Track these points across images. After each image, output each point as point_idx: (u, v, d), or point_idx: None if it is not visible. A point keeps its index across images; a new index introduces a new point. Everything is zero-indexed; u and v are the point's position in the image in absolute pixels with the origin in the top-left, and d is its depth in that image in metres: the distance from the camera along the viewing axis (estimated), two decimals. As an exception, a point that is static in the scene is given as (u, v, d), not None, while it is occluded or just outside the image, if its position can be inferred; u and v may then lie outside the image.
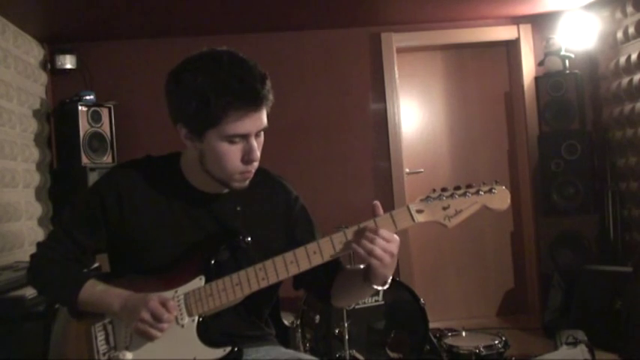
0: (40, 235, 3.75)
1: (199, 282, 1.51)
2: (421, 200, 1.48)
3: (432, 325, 3.42)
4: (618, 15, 3.96)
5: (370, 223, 1.46)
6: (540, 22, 4.43)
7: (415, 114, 4.74)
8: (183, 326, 1.50)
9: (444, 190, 1.48)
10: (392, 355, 3.35)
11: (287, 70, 4.35)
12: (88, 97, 4.01)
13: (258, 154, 1.52)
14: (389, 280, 1.52)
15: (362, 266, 1.53)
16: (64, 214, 1.64)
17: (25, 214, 3.61)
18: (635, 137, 3.86)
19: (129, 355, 1.51)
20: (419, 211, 1.47)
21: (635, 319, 3.20)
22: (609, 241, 4.07)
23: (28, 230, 3.64)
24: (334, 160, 4.43)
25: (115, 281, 1.57)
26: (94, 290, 1.55)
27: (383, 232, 1.44)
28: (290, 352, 1.72)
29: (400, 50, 4.53)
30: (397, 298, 3.39)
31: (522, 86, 4.49)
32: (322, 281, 1.68)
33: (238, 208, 1.62)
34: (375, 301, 3.36)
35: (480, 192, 1.48)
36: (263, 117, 1.50)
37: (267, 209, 1.67)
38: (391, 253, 1.44)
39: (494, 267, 4.71)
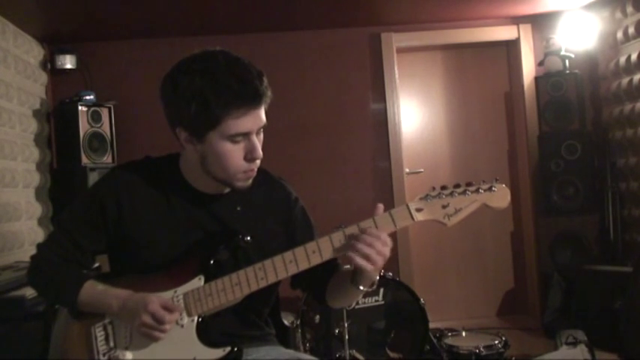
0: (40, 235, 3.75)
1: (199, 282, 1.51)
2: (420, 199, 1.48)
3: (432, 325, 3.42)
4: (618, 15, 3.96)
5: (369, 223, 1.46)
6: (540, 22, 4.43)
7: (415, 114, 4.74)
8: (182, 326, 1.50)
9: (443, 188, 1.48)
10: (392, 355, 3.35)
11: (287, 70, 4.34)
12: (88, 97, 4.01)
13: (260, 151, 1.52)
14: (376, 281, 1.53)
15: (347, 266, 1.54)
16: (64, 215, 1.64)
17: (25, 214, 3.61)
18: (635, 137, 3.86)
19: (129, 355, 1.51)
20: (418, 210, 1.47)
21: (635, 319, 3.20)
22: (609, 241, 4.06)
23: (28, 230, 3.64)
24: (334, 160, 4.43)
25: (115, 281, 1.57)
26: (93, 290, 1.55)
27: (381, 234, 1.44)
28: (290, 352, 1.72)
29: (400, 50, 4.53)
30: (397, 298, 3.39)
31: (522, 86, 4.48)
32: (319, 281, 1.68)
33: (238, 208, 1.63)
34: (375, 301, 3.36)
35: (480, 190, 1.48)
36: (263, 114, 1.51)
37: (267, 210, 1.67)
38: (385, 256, 1.44)
39: (494, 267, 4.71)
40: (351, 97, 4.45)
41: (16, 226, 3.50)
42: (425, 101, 4.75)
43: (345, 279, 1.60)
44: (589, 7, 4.15)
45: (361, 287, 1.52)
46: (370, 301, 3.36)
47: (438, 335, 3.54)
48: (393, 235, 1.49)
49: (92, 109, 3.98)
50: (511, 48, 4.64)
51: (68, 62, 4.15)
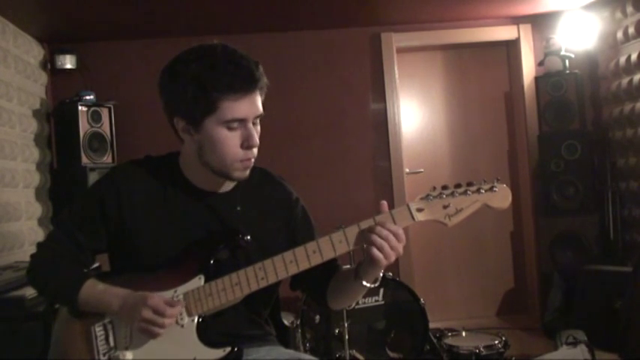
0: (40, 235, 3.75)
1: (199, 281, 1.51)
2: (421, 198, 1.48)
3: (432, 325, 3.42)
4: (618, 15, 3.96)
5: (370, 223, 1.46)
6: (540, 22, 4.43)
7: (415, 114, 4.74)
8: (182, 326, 1.50)
9: (444, 188, 1.48)
10: (392, 355, 3.36)
11: (287, 70, 4.34)
12: (88, 97, 4.00)
13: (257, 139, 1.52)
14: (379, 278, 1.54)
15: (347, 266, 1.54)
16: (64, 214, 1.64)
17: (25, 214, 3.61)
18: (635, 137, 3.85)
19: (129, 355, 1.51)
20: (419, 210, 1.47)
21: (635, 319, 3.20)
22: (609, 241, 4.06)
23: (28, 230, 3.64)
24: (334, 160, 4.43)
25: (115, 280, 1.57)
26: (93, 290, 1.55)
27: (398, 230, 1.44)
28: (290, 352, 1.72)
29: (400, 50, 4.53)
30: (397, 298, 3.39)
31: (522, 86, 4.48)
32: (319, 282, 1.68)
33: (238, 208, 1.62)
34: (375, 301, 3.37)
35: (481, 190, 1.47)
36: (259, 102, 1.52)
37: (267, 209, 1.67)
38: (398, 252, 1.45)
39: (494, 267, 4.71)
40: (351, 97, 4.46)
41: (16, 226, 3.50)
42: (425, 101, 4.75)
43: (346, 278, 1.60)
44: (589, 7, 4.15)
45: (364, 282, 1.53)
46: (370, 301, 3.36)
47: (438, 335, 3.54)
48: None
49: (92, 109, 3.98)
50: (511, 48, 4.64)
51: (68, 62, 4.15)
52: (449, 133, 4.73)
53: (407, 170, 4.54)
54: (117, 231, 1.60)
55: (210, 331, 1.53)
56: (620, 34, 3.93)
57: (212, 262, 1.53)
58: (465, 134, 4.72)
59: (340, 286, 1.65)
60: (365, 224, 1.46)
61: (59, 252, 1.60)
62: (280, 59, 4.34)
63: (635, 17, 3.78)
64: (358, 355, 3.24)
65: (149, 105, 3.92)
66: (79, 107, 3.90)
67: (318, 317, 3.30)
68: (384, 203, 1.48)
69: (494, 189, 1.48)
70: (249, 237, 1.55)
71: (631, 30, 3.80)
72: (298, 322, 3.30)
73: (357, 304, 3.28)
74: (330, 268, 1.63)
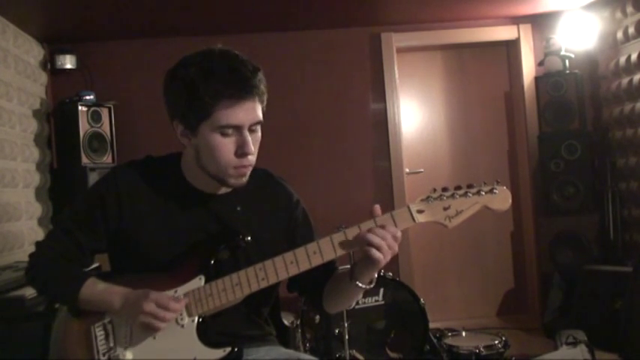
0: (40, 235, 3.75)
1: (199, 282, 1.51)
2: (422, 200, 1.48)
3: (432, 325, 3.42)
4: (618, 15, 3.96)
5: (370, 224, 1.46)
6: (540, 22, 4.43)
7: (415, 114, 4.74)
8: (183, 326, 1.50)
9: (444, 190, 1.48)
10: (392, 355, 3.35)
11: (287, 70, 4.34)
12: (88, 97, 4.00)
13: (252, 147, 1.51)
14: (374, 279, 1.54)
15: (348, 266, 1.55)
16: (64, 213, 1.65)
17: (25, 214, 3.61)
18: (635, 137, 3.86)
19: (129, 354, 1.51)
20: (419, 211, 1.47)
21: (635, 319, 3.20)
22: (609, 241, 4.07)
23: (28, 230, 3.64)
24: (334, 160, 4.43)
25: (115, 280, 1.57)
26: (94, 289, 1.55)
27: (393, 229, 1.45)
28: (290, 352, 1.72)
29: (400, 50, 4.53)
30: (397, 298, 3.39)
31: (522, 86, 4.48)
32: (315, 284, 1.68)
33: (238, 208, 1.63)
34: (375, 301, 3.36)
35: (481, 192, 1.47)
36: (256, 109, 1.50)
37: (267, 210, 1.67)
38: (394, 251, 1.45)
39: (494, 267, 4.71)
40: (351, 97, 4.45)
41: (16, 226, 3.50)
42: (425, 101, 4.75)
43: (342, 280, 1.60)
44: (589, 7, 4.15)
45: (359, 284, 1.52)
46: (370, 301, 3.36)
47: (438, 335, 3.54)
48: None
49: (92, 109, 3.98)
50: (511, 48, 4.64)
51: (68, 62, 4.15)
52: (449, 133, 4.73)
53: (407, 170, 4.54)
54: (117, 231, 1.60)
55: (210, 331, 1.53)
56: (620, 34, 3.94)
57: (212, 262, 1.53)
58: (465, 134, 4.72)
59: (336, 289, 1.65)
60: (366, 226, 1.46)
61: (59, 251, 1.60)
62: (280, 59, 4.34)
63: (635, 17, 3.78)
64: (358, 355, 3.24)
65: (149, 105, 3.96)
66: (79, 107, 3.90)
67: (318, 317, 3.30)
68: (378, 207, 1.48)
69: (495, 191, 1.48)
70: (249, 237, 1.55)
71: (631, 30, 3.80)
72: (298, 322, 3.30)
73: (357, 304, 3.28)
74: (326, 270, 1.62)
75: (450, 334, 3.57)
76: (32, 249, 1.66)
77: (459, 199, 1.47)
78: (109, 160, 4.03)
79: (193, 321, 1.51)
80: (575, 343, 3.23)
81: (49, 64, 4.17)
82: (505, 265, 4.73)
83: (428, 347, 3.37)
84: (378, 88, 4.47)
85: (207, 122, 1.47)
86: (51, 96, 4.21)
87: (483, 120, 4.72)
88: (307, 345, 3.35)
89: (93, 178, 3.81)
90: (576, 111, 4.17)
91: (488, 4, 4.12)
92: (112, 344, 1.53)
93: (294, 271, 1.48)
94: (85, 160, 3.88)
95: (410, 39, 4.50)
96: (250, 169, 1.56)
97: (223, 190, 1.63)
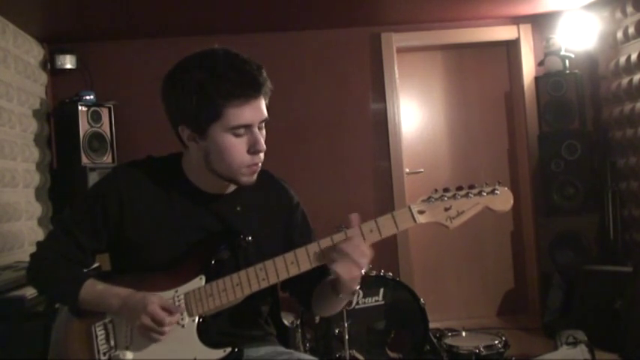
0: (40, 235, 3.74)
1: (200, 282, 1.51)
2: (423, 201, 1.48)
3: (432, 325, 3.42)
4: (618, 15, 3.96)
5: (371, 225, 1.46)
6: (540, 22, 4.43)
7: (415, 114, 4.74)
8: (183, 326, 1.50)
9: (445, 190, 1.48)
10: (392, 355, 3.35)
11: (287, 70, 4.34)
12: (88, 97, 4.00)
13: (263, 144, 1.52)
14: (356, 289, 1.53)
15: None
16: (65, 213, 1.64)
17: (25, 214, 3.61)
18: (635, 137, 3.86)
19: (129, 354, 1.51)
20: (420, 212, 1.47)
21: (635, 319, 3.20)
22: (609, 241, 4.07)
23: (28, 230, 3.63)
24: (334, 160, 4.43)
25: (116, 280, 1.57)
26: (94, 289, 1.55)
27: (360, 245, 1.44)
28: (290, 352, 1.72)
29: (400, 50, 4.53)
30: (397, 298, 3.39)
31: (522, 86, 4.48)
32: (307, 286, 1.67)
33: (238, 208, 1.62)
34: (375, 301, 3.36)
35: (483, 193, 1.47)
36: (263, 107, 1.51)
37: (267, 211, 1.67)
38: (360, 267, 1.45)
39: (494, 267, 4.71)
40: (351, 97, 4.45)
41: (16, 226, 3.50)
42: (425, 101, 4.75)
43: (327, 289, 1.59)
44: (589, 7, 4.15)
45: (340, 296, 1.52)
46: (370, 301, 3.36)
47: (438, 335, 3.54)
48: (393, 235, 1.49)
49: (92, 109, 3.98)
50: (511, 48, 4.64)
51: (68, 62, 4.15)
52: (449, 133, 4.73)
53: (407, 170, 4.54)
54: (118, 231, 1.60)
55: (210, 331, 1.53)
56: (620, 34, 3.94)
57: (213, 262, 1.53)
58: (465, 134, 4.72)
59: (321, 296, 1.65)
60: (366, 227, 1.46)
61: (59, 251, 1.60)
62: (280, 59, 4.33)
63: (635, 17, 3.78)
64: (358, 355, 3.24)
65: (149, 105, 3.92)
66: (79, 107, 3.90)
67: (318, 317, 3.30)
68: (355, 216, 1.48)
69: (496, 192, 1.48)
70: (250, 238, 1.55)
71: (631, 30, 3.80)
72: (298, 322, 3.30)
73: (357, 304, 3.28)
74: (318, 274, 1.61)
75: (450, 334, 3.58)
76: (32, 249, 1.66)
77: (461, 199, 1.47)
78: (109, 160, 4.03)
79: (194, 321, 1.51)
80: (575, 343, 3.23)
81: (49, 64, 4.16)
82: (505, 265, 4.73)
83: (428, 347, 3.37)
84: (378, 88, 4.47)
85: (217, 124, 1.47)
86: (51, 96, 4.20)
87: (483, 120, 4.72)
88: (307, 345, 3.35)
89: (93, 178, 3.81)
90: (576, 111, 4.17)
91: (488, 4, 4.12)
92: (112, 344, 1.53)
93: (294, 271, 1.48)
94: (85, 160, 3.88)
95: (410, 39, 4.50)
96: (260, 165, 1.56)
97: (225, 190, 1.63)
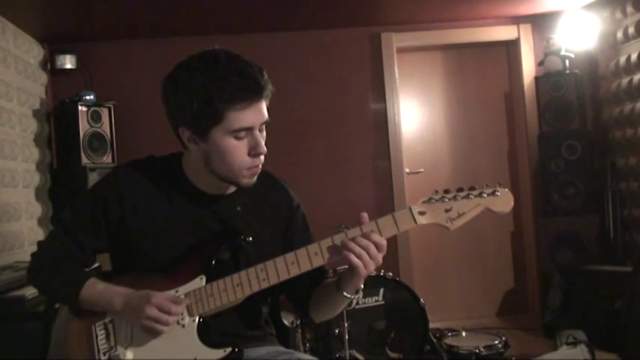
0: (40, 235, 3.74)
1: (200, 282, 1.52)
2: (423, 202, 1.48)
3: (432, 325, 3.42)
4: (618, 15, 3.96)
5: (372, 226, 1.46)
6: (540, 22, 4.43)
7: (415, 114, 4.74)
8: (183, 326, 1.50)
9: (446, 191, 1.48)
10: (392, 355, 3.35)
11: (287, 70, 4.34)
12: (88, 97, 4.00)
13: (264, 146, 1.52)
14: (360, 289, 1.53)
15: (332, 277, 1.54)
16: (66, 213, 1.64)
17: (25, 214, 3.61)
18: (635, 137, 3.86)
19: (129, 354, 1.51)
20: (421, 213, 1.47)
21: (635, 319, 3.20)
22: (609, 241, 4.07)
23: (28, 230, 3.63)
24: (334, 160, 4.43)
25: (116, 280, 1.57)
26: (95, 289, 1.55)
27: (376, 238, 1.44)
28: (290, 352, 1.72)
29: (400, 50, 4.53)
30: (397, 298, 3.39)
31: (522, 86, 4.48)
32: (303, 290, 1.67)
33: (238, 208, 1.62)
34: (375, 301, 3.36)
35: (483, 194, 1.47)
36: (264, 109, 1.51)
37: (267, 212, 1.67)
38: (378, 262, 1.45)
39: (494, 267, 4.71)
40: (351, 97, 4.45)
41: (16, 226, 3.50)
42: (425, 101, 4.75)
43: (329, 288, 1.59)
44: (589, 7, 4.15)
45: (345, 294, 1.52)
46: (370, 301, 3.36)
47: (438, 335, 3.54)
48: (393, 236, 1.49)
49: (92, 109, 3.98)
50: (511, 48, 4.64)
51: (68, 62, 4.15)
52: (449, 133, 4.73)
53: (407, 170, 4.54)
54: (118, 231, 1.60)
55: (210, 332, 1.53)
56: (620, 34, 3.94)
57: (214, 262, 1.53)
58: (465, 134, 4.72)
59: (322, 297, 1.64)
60: (367, 227, 1.46)
61: (60, 251, 1.60)
62: (280, 59, 4.33)
63: (635, 17, 3.78)
64: (358, 355, 3.24)
65: (149, 105, 3.95)
66: (79, 107, 3.90)
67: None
68: (365, 215, 1.48)
69: (497, 193, 1.48)
70: (250, 238, 1.55)
71: (631, 30, 3.80)
72: (298, 322, 3.30)
73: (357, 303, 3.28)
74: (316, 276, 1.62)
75: (450, 334, 3.58)
76: (32, 249, 1.66)
77: (461, 201, 1.47)
78: (109, 160, 4.03)
79: (194, 321, 1.51)
80: (575, 343, 3.24)
81: (49, 64, 4.16)
82: (505, 265, 4.73)
83: (428, 347, 3.37)
84: (378, 88, 4.47)
85: (218, 127, 1.47)
86: (51, 96, 4.20)
87: (483, 120, 4.72)
88: (307, 345, 3.35)
89: (93, 178, 3.81)
90: (576, 111, 4.17)
91: (488, 4, 4.12)
92: (112, 344, 1.53)
93: (295, 271, 1.48)
94: (85, 160, 3.88)
95: (410, 39, 4.50)
96: (260, 167, 1.56)
97: (225, 191, 1.63)
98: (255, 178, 1.57)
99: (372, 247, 1.43)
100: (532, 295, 4.56)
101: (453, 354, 3.32)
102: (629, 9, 3.82)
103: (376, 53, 4.46)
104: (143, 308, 1.45)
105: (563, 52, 4.21)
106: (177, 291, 1.51)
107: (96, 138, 3.98)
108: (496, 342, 3.32)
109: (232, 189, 1.63)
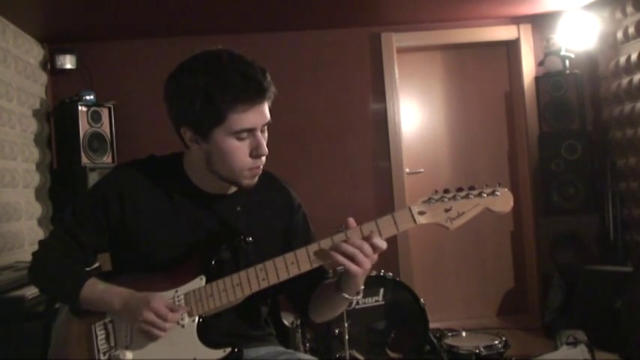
0: (40, 235, 3.75)
1: (200, 282, 1.52)
2: (423, 202, 1.48)
3: (432, 325, 3.42)
4: (618, 15, 3.96)
5: (372, 226, 1.46)
6: (540, 22, 4.43)
7: (415, 114, 4.74)
8: (183, 326, 1.50)
9: (446, 191, 1.48)
10: (392, 355, 3.35)
11: (287, 70, 4.34)
12: (88, 97, 4.00)
13: (265, 148, 1.52)
14: (361, 289, 1.52)
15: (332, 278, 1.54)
16: (67, 212, 1.64)
17: (25, 214, 3.61)
18: (635, 137, 3.86)
19: (129, 354, 1.51)
20: (421, 213, 1.47)
21: (635, 319, 3.20)
22: (609, 241, 4.06)
23: (28, 230, 3.63)
24: (334, 160, 4.43)
25: (117, 280, 1.57)
26: (95, 288, 1.55)
27: (376, 239, 1.44)
28: (290, 352, 1.72)
29: (400, 50, 4.53)
30: (397, 298, 3.39)
31: (522, 86, 4.48)
32: (302, 291, 1.67)
33: (238, 208, 1.62)
34: (375, 301, 3.36)
35: (483, 194, 1.47)
36: (267, 110, 1.51)
37: (267, 212, 1.67)
38: (372, 260, 1.44)
39: (494, 267, 4.71)
40: (351, 97, 4.45)
41: (16, 226, 3.50)
42: (425, 101, 4.75)
43: (329, 289, 1.59)
44: (589, 7, 4.15)
45: (345, 295, 1.51)
46: (370, 301, 3.36)
47: (438, 335, 3.54)
48: (393, 236, 1.49)
49: (92, 109, 3.98)
50: (511, 48, 4.64)
51: (68, 62, 4.15)
52: (449, 133, 4.73)
53: (407, 170, 4.54)
54: (119, 230, 1.60)
55: (210, 332, 1.53)
56: (620, 34, 3.94)
57: (213, 262, 1.53)
58: (465, 134, 4.72)
59: (322, 297, 1.64)
60: (367, 227, 1.46)
61: (61, 250, 1.60)
62: (280, 59, 4.33)
63: (635, 17, 3.78)
64: (358, 355, 3.24)
65: (149, 105, 3.95)
66: (79, 107, 3.90)
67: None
68: (351, 220, 1.47)
69: (496, 193, 1.48)
70: (250, 238, 1.55)
71: (631, 30, 3.80)
72: (298, 322, 3.30)
73: (357, 303, 3.27)
74: (316, 276, 1.61)
75: (450, 334, 3.58)
76: (32, 249, 1.66)
77: (461, 200, 1.47)
78: (109, 160, 4.03)
79: (194, 321, 1.51)
80: (575, 343, 3.23)
81: (49, 64, 4.17)
82: (505, 265, 4.73)
83: (428, 347, 3.37)
84: (378, 88, 4.47)
85: (220, 128, 1.47)
86: (51, 96, 4.20)
87: (483, 120, 4.72)
88: (307, 345, 3.35)
89: (93, 178, 3.81)
90: (576, 111, 4.18)
91: (488, 4, 4.12)
92: (112, 344, 1.53)
93: (294, 271, 1.48)
94: (85, 160, 3.88)
95: (410, 39, 4.50)
96: (261, 168, 1.56)
97: (226, 191, 1.63)
98: (256, 178, 1.57)
99: (366, 246, 1.42)
100: (532, 295, 4.56)
101: (453, 354, 3.32)
102: (629, 9, 3.82)
103: (376, 53, 4.46)
104: (141, 311, 1.45)
105: (563, 52, 4.21)
106: (177, 291, 1.51)
107: (96, 138, 3.98)
108: (496, 342, 3.32)
109: (233, 189, 1.63)
